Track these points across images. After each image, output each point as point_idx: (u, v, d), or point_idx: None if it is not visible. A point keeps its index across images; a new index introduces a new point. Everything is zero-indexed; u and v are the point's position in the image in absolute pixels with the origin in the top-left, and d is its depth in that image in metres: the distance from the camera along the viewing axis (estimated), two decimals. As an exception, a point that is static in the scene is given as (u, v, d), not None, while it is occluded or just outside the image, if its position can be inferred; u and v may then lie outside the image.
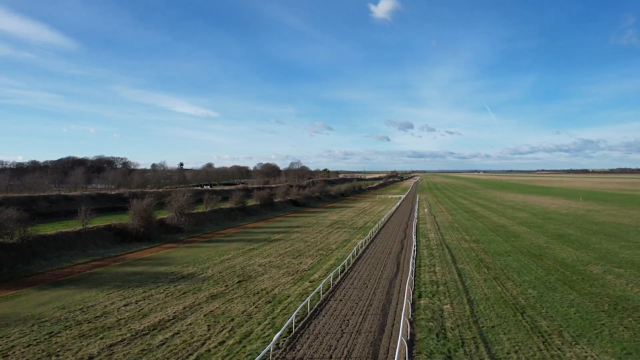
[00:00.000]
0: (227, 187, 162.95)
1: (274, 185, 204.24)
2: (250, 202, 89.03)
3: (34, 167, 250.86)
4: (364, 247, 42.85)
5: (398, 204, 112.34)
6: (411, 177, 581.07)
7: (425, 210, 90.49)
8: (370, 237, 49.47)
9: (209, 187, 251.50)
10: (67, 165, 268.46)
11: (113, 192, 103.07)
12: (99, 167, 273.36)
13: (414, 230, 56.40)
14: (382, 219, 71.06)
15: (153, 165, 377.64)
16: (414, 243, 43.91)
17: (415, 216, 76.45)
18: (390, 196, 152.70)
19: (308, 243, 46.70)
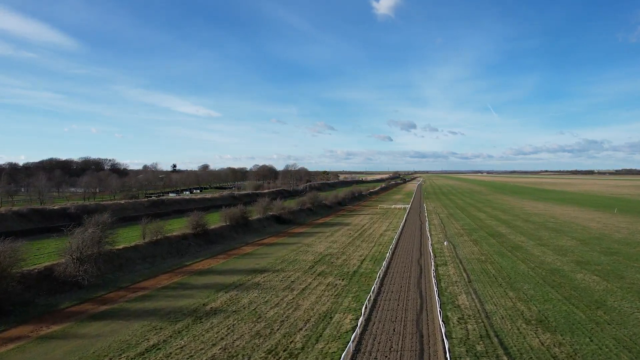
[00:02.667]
0: (209, 196, 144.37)
1: (266, 191, 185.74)
2: (216, 221, 70.22)
3: (12, 169, 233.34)
4: (351, 342, 23.94)
5: (404, 219, 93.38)
6: (414, 179, 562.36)
7: (440, 234, 71.45)
8: (368, 306, 30.49)
9: (198, 191, 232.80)
10: (49, 167, 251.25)
11: (55, 207, 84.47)
12: (85, 169, 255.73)
13: (433, 283, 37.50)
14: (386, 254, 52.14)
15: (144, 166, 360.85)
16: (442, 333, 24.99)
17: (430, 247, 57.45)
18: (393, 205, 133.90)
19: (260, 325, 27.73)
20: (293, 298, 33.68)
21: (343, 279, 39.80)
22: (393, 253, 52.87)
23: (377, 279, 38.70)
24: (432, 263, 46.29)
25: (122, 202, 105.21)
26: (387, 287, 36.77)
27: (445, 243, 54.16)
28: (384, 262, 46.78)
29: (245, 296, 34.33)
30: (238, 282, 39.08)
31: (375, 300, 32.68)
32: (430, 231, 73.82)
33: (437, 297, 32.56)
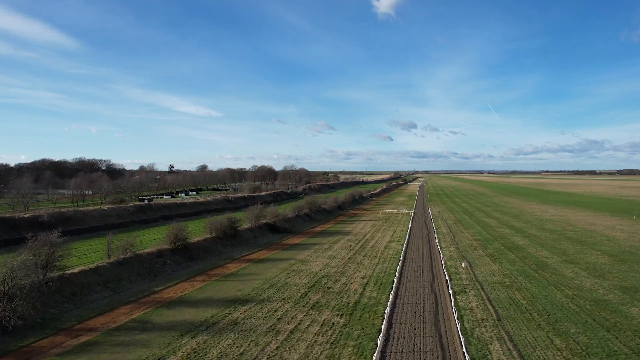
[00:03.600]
0: (201, 200, 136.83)
1: (263, 193, 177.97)
2: (202, 232, 62.71)
3: (3, 170, 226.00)
4: None
5: (409, 227, 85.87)
6: (415, 179, 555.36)
7: (451, 246, 63.90)
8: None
9: (194, 193, 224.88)
10: (42, 168, 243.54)
11: (26, 215, 76.82)
12: (79, 169, 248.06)
13: (455, 322, 29.98)
14: (392, 276, 44.62)
15: (141, 167, 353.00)
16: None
17: (443, 264, 49.94)
18: (396, 210, 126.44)
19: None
20: (277, 347, 26.11)
21: (342, 315, 32.21)
22: (400, 274, 45.27)
23: (384, 316, 31.15)
24: (449, 290, 38.73)
25: (105, 207, 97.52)
26: (397, 328, 29.18)
27: (463, 264, 46.66)
28: (391, 287, 39.28)
29: (216, 344, 26.75)
30: (211, 319, 31.51)
31: (383, 353, 25.08)
32: (439, 243, 66.26)
33: (463, 349, 24.99)
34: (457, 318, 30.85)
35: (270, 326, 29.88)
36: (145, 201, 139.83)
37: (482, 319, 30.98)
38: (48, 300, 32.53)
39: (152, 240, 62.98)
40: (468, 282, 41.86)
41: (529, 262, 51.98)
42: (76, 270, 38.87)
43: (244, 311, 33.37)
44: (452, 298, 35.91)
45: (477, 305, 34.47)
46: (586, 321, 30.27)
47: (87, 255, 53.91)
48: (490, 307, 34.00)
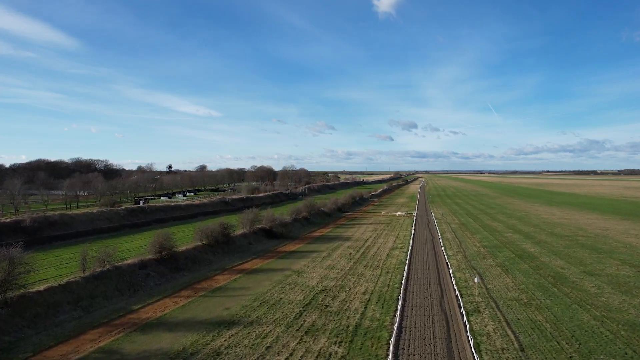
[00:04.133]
0: (196, 202, 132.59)
1: (262, 194, 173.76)
2: (191, 237, 58.55)
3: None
4: None
5: (412, 231, 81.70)
6: (415, 179, 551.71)
7: (458, 254, 59.74)
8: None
9: (192, 194, 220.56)
10: (38, 169, 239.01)
11: (6, 220, 72.58)
12: (75, 170, 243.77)
13: (471, 353, 25.83)
14: (397, 291, 40.42)
15: (139, 167, 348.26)
16: None
17: (451, 276, 45.77)
18: (398, 213, 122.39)
19: None
20: (263, 389, 21.90)
21: (341, 343, 28.00)
22: (406, 289, 41.08)
23: (389, 345, 26.95)
24: (461, 309, 34.51)
25: (95, 211, 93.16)
26: (404, 362, 24.99)
27: (476, 280, 42.41)
28: (396, 306, 35.09)
29: (192, 384, 22.55)
30: (190, 348, 27.30)
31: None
32: (446, 250, 62.11)
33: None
34: (474, 347, 26.66)
35: (257, 358, 25.67)
36: (141, 202, 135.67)
37: (503, 349, 26.76)
38: (3, 325, 28.38)
39: (142, 246, 58.96)
40: (481, 299, 37.67)
41: (545, 273, 47.79)
42: (42, 287, 34.64)
43: (229, 337, 29.16)
44: (465, 320, 31.72)
45: (494, 329, 30.26)
46: (626, 353, 26.03)
47: (66, 265, 49.95)
48: (509, 332, 29.79)
